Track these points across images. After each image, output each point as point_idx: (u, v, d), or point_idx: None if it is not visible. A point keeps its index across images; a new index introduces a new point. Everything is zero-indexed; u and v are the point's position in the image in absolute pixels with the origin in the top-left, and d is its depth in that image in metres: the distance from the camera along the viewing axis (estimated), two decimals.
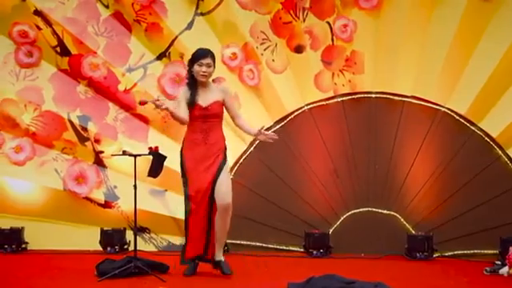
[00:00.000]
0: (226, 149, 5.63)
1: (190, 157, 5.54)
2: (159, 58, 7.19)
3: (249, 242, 7.14)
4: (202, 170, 5.51)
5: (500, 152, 6.92)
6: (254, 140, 7.14)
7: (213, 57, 5.57)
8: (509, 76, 6.88)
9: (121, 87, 7.22)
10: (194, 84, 5.51)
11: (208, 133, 5.47)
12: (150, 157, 5.96)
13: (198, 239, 5.61)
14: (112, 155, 6.88)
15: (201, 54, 5.51)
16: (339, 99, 7.20)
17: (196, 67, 5.48)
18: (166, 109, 5.36)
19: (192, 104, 5.46)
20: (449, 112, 7.02)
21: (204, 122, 5.50)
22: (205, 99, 5.51)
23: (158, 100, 5.40)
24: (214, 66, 5.58)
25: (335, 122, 7.14)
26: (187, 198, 5.59)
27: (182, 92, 5.54)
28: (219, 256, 5.70)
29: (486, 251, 6.77)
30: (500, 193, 6.83)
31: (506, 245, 6.27)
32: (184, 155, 5.58)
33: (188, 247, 5.67)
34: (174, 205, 7.13)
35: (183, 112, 5.50)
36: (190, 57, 5.59)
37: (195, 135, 5.48)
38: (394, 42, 7.01)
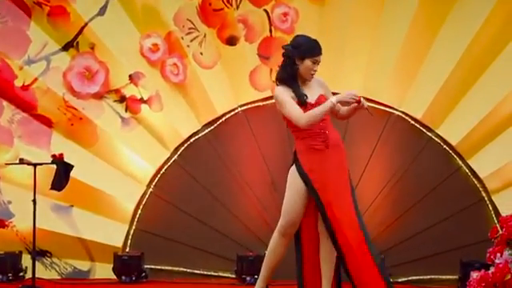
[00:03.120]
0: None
1: (313, 168, 4.92)
2: (65, 48, 7.07)
3: (171, 267, 7.09)
4: (334, 183, 4.95)
5: (460, 162, 6.95)
6: (179, 146, 7.14)
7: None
8: (470, 75, 6.91)
9: (18, 83, 7.11)
10: (295, 80, 4.95)
11: (326, 133, 4.93)
12: (54, 166, 5.97)
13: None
14: (6, 164, 6.80)
15: (318, 49, 4.95)
16: None
17: (308, 63, 4.90)
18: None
19: (304, 103, 4.89)
20: (403, 116, 7.05)
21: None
22: (310, 94, 5.01)
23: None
24: None
25: (273, 126, 6.97)
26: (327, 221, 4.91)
27: (285, 92, 4.92)
28: None
29: (444, 276, 6.81)
30: (460, 209, 6.85)
31: (467, 269, 6.09)
32: (303, 168, 4.91)
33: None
34: (82, 223, 7.04)
35: None
36: (296, 46, 4.95)
37: (313, 140, 4.91)
38: (342, 33, 7.00)
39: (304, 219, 4.97)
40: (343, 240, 4.86)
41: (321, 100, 4.93)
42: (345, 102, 4.88)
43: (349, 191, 4.95)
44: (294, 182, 4.94)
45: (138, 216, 7.09)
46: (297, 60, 4.89)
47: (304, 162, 4.89)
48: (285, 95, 4.88)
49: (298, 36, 5.14)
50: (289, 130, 5.02)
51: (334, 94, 6.96)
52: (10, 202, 7.02)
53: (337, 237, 4.85)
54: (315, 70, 4.95)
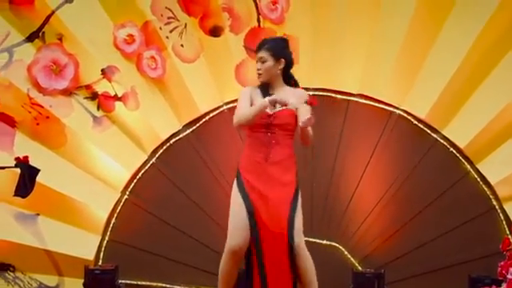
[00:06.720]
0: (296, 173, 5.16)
1: (250, 181, 5.04)
2: (30, 39, 6.98)
3: (149, 283, 7.11)
4: (267, 198, 5.05)
5: (469, 167, 6.99)
6: (157, 149, 7.16)
7: (270, 47, 5.10)
8: (478, 71, 6.93)
9: None
10: (265, 84, 5.14)
11: (271, 147, 5.02)
12: (18, 170, 6.00)
13: None
14: None
15: (256, 46, 5.21)
16: None
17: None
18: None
19: None
20: (405, 115, 7.10)
21: (266, 132, 5.03)
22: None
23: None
24: (276, 59, 5.07)
25: None
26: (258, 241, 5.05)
27: (248, 90, 5.18)
28: None
29: None
30: (469, 219, 6.89)
31: (477, 285, 6.25)
32: (243, 181, 5.06)
33: None
34: (49, 234, 6.96)
35: None
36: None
37: (253, 151, 5.04)
38: (338, 25, 7.03)
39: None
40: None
41: (282, 113, 4.98)
42: (276, 101, 4.92)
43: (283, 217, 4.95)
44: (233, 199, 5.02)
45: (111, 225, 7.06)
46: None
47: (243, 175, 5.00)
48: (244, 92, 5.16)
49: None
50: None
51: (327, 90, 7.15)
52: None
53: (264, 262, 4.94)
54: (259, 69, 5.11)
